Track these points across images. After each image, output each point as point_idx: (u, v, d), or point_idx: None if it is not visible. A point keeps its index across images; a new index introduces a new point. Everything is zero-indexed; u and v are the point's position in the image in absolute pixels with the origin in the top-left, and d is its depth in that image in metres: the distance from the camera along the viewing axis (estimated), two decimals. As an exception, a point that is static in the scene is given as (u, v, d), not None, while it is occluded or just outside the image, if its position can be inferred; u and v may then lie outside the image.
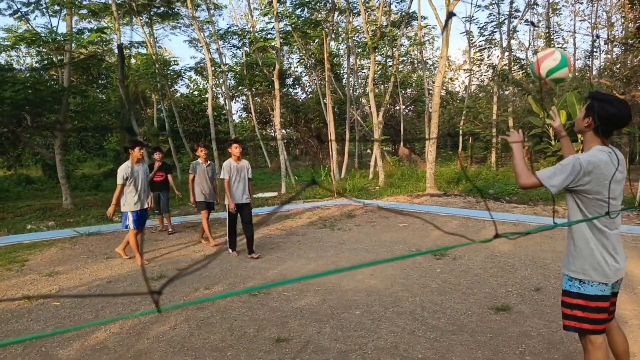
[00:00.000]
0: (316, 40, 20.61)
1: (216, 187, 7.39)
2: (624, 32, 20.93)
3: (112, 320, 4.30)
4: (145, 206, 6.18)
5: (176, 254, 6.69)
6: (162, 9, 16.13)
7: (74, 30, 12.14)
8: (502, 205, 10.39)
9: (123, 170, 5.93)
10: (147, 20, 18.02)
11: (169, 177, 8.20)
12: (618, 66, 19.83)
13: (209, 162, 7.29)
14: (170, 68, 22.61)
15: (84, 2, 13.38)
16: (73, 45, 12.23)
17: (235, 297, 4.71)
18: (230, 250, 6.49)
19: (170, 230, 8.32)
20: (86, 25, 14.53)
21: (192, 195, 7.14)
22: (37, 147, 15.66)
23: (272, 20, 15.00)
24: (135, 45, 19.89)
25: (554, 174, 2.27)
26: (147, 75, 19.48)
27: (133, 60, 23.70)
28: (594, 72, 23.26)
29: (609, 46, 23.30)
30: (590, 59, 25.22)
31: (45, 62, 14.17)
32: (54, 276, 5.65)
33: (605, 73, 20.49)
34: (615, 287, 2.40)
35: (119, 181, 5.92)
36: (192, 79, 28.36)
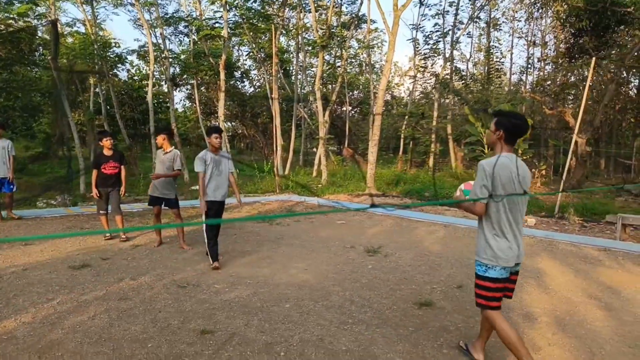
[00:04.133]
0: (266, 35, 20.43)
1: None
2: (555, 51, 22.46)
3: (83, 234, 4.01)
4: (4, 175, 7.68)
5: (103, 243, 6.37)
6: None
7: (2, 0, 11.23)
8: (435, 208, 10.79)
9: None
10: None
11: (123, 168, 6.68)
12: (549, 83, 21.29)
13: (170, 149, 6.26)
14: (111, 50, 21.52)
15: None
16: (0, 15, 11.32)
17: (162, 288, 4.56)
18: (212, 262, 5.33)
19: (123, 237, 6.64)
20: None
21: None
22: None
23: (221, 9, 14.68)
24: (72, 23, 18.71)
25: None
26: (84, 56, 18.39)
27: (70, 39, 22.33)
28: (528, 87, 24.77)
29: (542, 64, 24.90)
30: (525, 75, 26.89)
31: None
32: (-39, 262, 5.20)
33: (537, 88, 21.91)
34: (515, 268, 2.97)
35: None
36: (133, 64, 27.14)
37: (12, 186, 7.76)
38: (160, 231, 6.58)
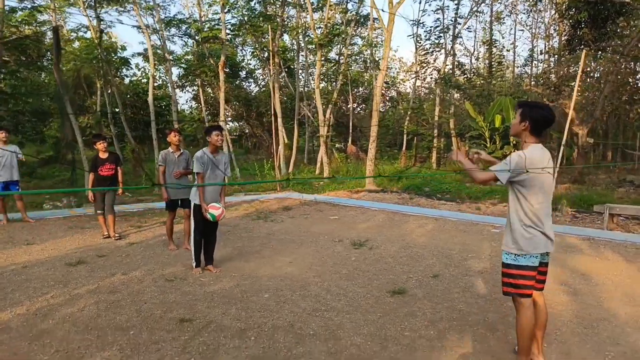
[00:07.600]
0: (269, 34, 20.67)
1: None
2: (559, 43, 22.30)
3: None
4: (11, 178, 7.92)
5: (100, 242, 6.66)
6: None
7: (5, 8, 11.60)
8: (432, 202, 10.94)
9: None
10: (90, 2, 17.42)
11: (119, 170, 6.90)
12: (552, 76, 21.19)
13: (181, 150, 6.28)
14: (116, 54, 21.98)
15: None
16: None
17: (150, 282, 4.82)
18: (194, 266, 5.24)
19: (117, 235, 6.86)
20: (18, 4, 13.90)
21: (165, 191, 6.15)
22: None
23: (219, 11, 14.94)
24: (77, 29, 19.16)
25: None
26: (89, 61, 18.82)
27: (77, 44, 22.85)
28: (532, 80, 24.65)
29: (546, 56, 24.77)
30: (530, 67, 26.77)
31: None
32: (-34, 261, 5.52)
33: (541, 81, 21.82)
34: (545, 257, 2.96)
35: None
36: (139, 66, 27.62)
37: (17, 187, 8.11)
38: (172, 235, 6.42)
